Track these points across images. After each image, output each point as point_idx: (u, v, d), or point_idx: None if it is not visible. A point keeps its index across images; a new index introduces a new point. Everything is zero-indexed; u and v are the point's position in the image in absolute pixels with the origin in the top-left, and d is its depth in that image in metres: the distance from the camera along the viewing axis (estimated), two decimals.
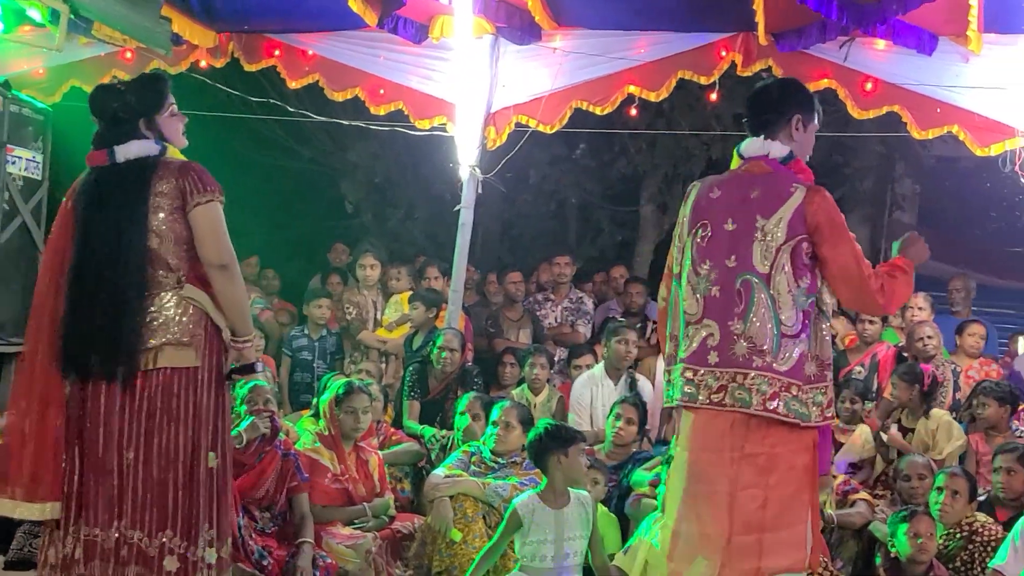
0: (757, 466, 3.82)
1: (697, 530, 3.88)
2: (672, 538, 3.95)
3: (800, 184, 3.89)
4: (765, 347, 3.80)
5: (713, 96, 8.02)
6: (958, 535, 5.45)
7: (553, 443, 4.92)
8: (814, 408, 3.82)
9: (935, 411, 6.72)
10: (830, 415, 3.89)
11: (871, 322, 7.76)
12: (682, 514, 3.93)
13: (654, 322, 8.77)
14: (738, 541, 3.80)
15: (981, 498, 5.84)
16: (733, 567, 3.79)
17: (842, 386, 6.96)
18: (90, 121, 4.14)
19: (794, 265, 3.82)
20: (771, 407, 3.79)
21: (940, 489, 5.61)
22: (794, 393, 3.80)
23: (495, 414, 6.10)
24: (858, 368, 7.69)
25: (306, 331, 8.15)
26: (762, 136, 3.99)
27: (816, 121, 4.07)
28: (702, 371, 3.91)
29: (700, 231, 3.99)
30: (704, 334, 3.92)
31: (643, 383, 7.53)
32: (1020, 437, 6.65)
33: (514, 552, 4.95)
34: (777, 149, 3.96)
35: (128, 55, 8.26)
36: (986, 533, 5.41)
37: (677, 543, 3.93)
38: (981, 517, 5.54)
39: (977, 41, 6.63)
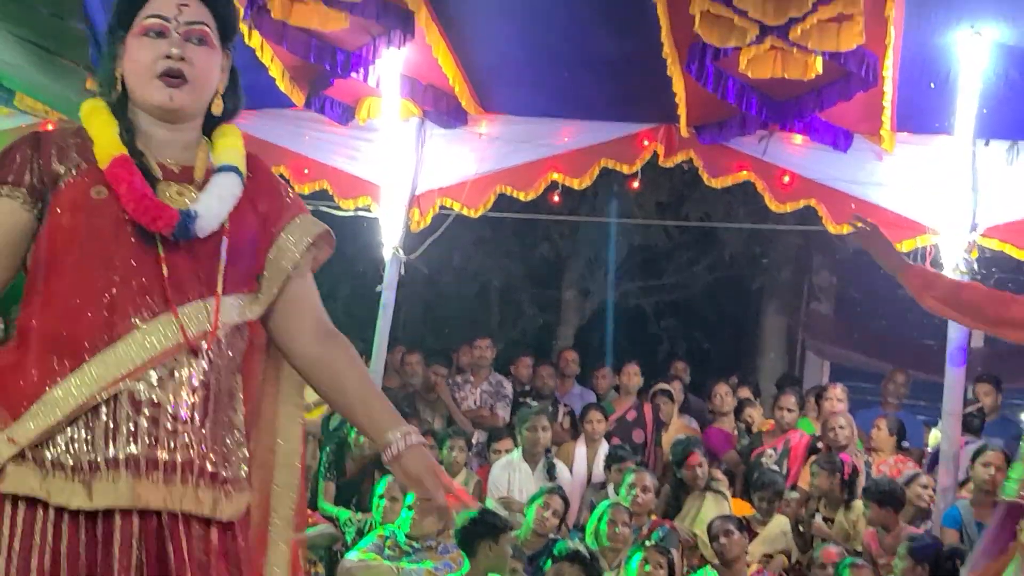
0: None
1: None
2: None
3: None
4: None
5: (635, 184, 8.15)
6: None
7: (485, 530, 4.90)
8: None
9: (857, 502, 6.79)
10: None
11: (789, 410, 7.87)
12: None
13: (565, 405, 8.81)
14: None
15: None
16: None
17: (757, 484, 7.06)
18: None
19: None
20: None
21: None
22: None
23: (410, 497, 6.06)
24: (770, 451, 7.77)
25: None
26: None
27: None
28: None
29: None
30: None
31: (561, 468, 7.53)
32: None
33: None
34: None
35: (49, 127, 8.19)
36: None
37: None
38: None
39: (890, 140, 6.84)
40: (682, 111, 6.93)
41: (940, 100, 6.43)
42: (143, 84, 2.42)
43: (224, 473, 2.38)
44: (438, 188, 7.83)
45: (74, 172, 2.37)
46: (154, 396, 2.29)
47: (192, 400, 2.34)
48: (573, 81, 7.07)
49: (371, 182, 7.88)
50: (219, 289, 2.40)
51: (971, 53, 6.13)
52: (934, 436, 8.57)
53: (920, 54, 6.21)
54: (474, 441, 8.22)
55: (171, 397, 2.31)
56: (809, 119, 6.82)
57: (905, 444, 8.07)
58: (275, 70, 7.06)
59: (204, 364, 2.36)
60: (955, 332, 6.62)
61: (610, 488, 7.23)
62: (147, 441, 2.27)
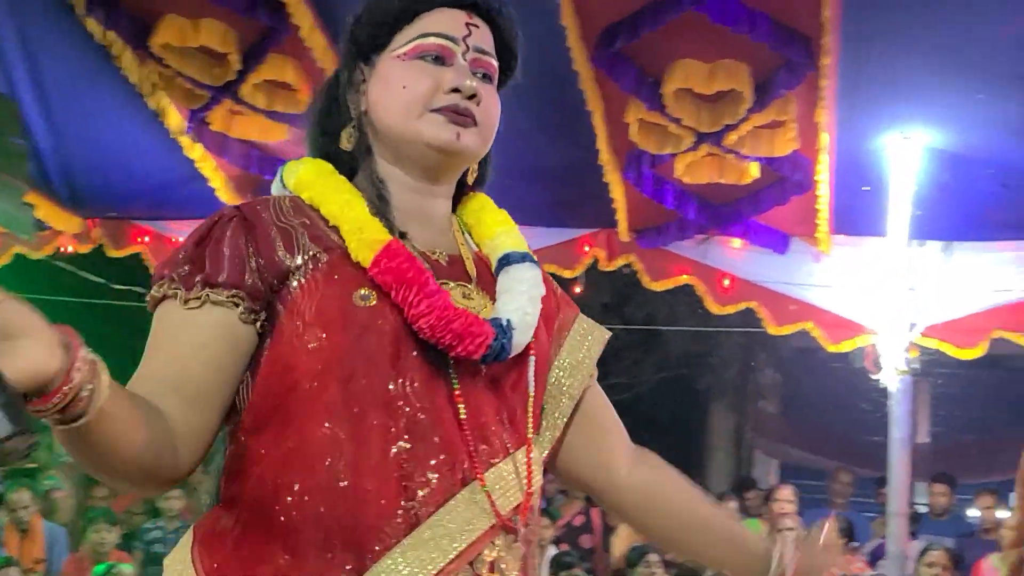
0: None
1: None
2: None
3: None
4: None
5: (577, 289, 8.18)
6: None
7: None
8: None
9: None
10: None
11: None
12: None
13: None
14: None
15: None
16: None
17: None
18: None
19: None
20: None
21: None
22: None
23: None
24: None
25: (160, 523, 7.89)
26: None
27: None
28: None
29: None
30: None
31: None
32: None
33: None
34: None
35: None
36: None
37: None
38: None
39: (827, 242, 6.93)
40: (621, 216, 7.00)
41: (875, 203, 6.54)
42: (411, 117, 1.67)
43: None
44: None
45: (312, 267, 1.60)
46: None
47: None
48: (512, 188, 6.93)
49: None
50: (530, 432, 1.69)
51: (902, 157, 6.26)
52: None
53: (853, 159, 6.33)
54: None
55: None
56: (747, 223, 6.91)
57: (854, 544, 8.07)
58: (217, 180, 7.07)
59: (522, 546, 1.65)
60: (897, 431, 6.66)
61: None
62: None
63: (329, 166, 1.72)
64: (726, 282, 7.26)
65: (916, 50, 5.59)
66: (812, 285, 7.06)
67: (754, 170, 6.28)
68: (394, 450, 1.54)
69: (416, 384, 1.57)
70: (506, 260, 1.76)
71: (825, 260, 7.04)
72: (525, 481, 1.64)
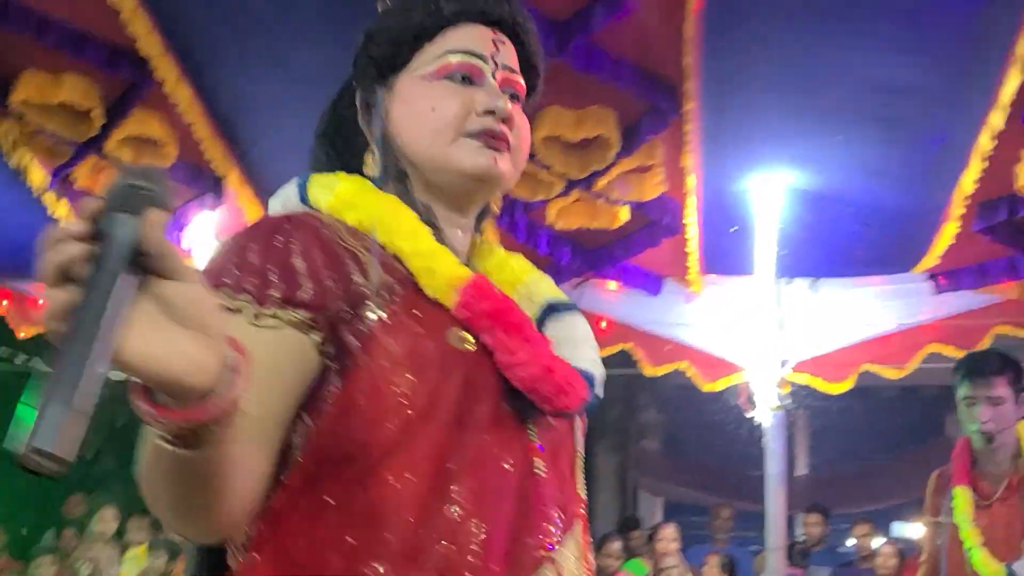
0: None
1: None
2: None
3: None
4: None
5: None
6: None
7: None
8: None
9: None
10: None
11: (615, 558, 7.92)
12: None
13: None
14: None
15: None
16: None
17: None
18: None
19: None
20: None
21: None
22: None
23: None
24: None
25: None
26: None
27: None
28: None
29: None
30: None
31: None
32: None
33: None
34: None
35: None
36: None
37: None
38: None
39: (698, 282, 7.05)
40: None
41: (743, 242, 6.66)
42: (443, 143, 1.51)
43: None
44: None
45: (390, 299, 1.38)
46: None
47: None
48: None
49: None
50: (579, 490, 1.55)
51: (766, 197, 6.40)
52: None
53: (719, 200, 6.45)
54: None
55: None
56: (620, 265, 6.99)
57: None
58: None
59: None
60: (773, 466, 6.76)
61: None
62: None
63: (370, 183, 1.53)
64: (603, 324, 7.33)
65: (776, 94, 5.73)
66: (685, 325, 7.17)
67: (624, 214, 6.36)
68: (487, 518, 1.36)
69: (506, 440, 1.40)
70: (552, 308, 1.61)
71: (697, 300, 7.16)
72: (584, 558, 1.49)
